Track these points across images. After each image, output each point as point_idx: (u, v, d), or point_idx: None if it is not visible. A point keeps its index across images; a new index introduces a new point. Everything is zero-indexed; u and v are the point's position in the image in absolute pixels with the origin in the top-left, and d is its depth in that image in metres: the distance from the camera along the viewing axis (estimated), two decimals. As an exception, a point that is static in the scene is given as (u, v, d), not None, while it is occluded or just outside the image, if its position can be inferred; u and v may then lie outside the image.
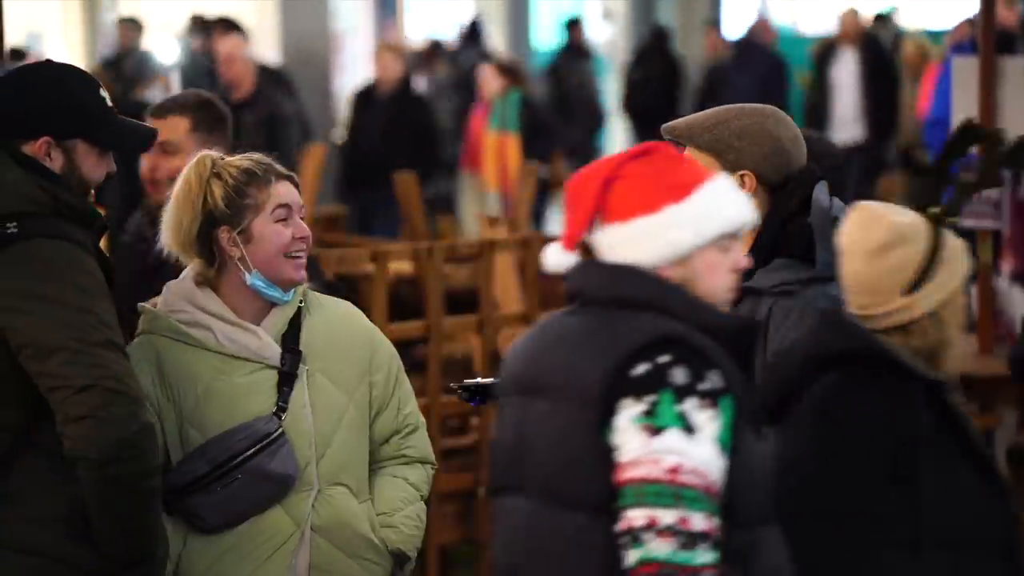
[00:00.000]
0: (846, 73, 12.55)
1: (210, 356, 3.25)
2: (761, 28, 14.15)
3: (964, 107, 5.59)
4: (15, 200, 3.06)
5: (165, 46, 9.89)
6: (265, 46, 13.29)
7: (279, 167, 3.33)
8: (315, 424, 3.27)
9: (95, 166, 3.19)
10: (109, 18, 16.14)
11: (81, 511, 3.04)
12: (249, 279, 3.27)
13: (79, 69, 3.28)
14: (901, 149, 11.52)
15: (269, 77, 10.41)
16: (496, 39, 17.37)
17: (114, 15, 16.09)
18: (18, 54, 11.45)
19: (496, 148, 10.88)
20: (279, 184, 3.29)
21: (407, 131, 10.30)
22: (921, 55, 11.51)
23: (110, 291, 3.13)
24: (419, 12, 17.72)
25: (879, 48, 12.84)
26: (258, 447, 3.20)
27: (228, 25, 10.02)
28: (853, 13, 12.97)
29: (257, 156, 3.33)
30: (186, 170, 3.31)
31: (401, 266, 6.54)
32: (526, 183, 8.68)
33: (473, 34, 15.21)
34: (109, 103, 3.22)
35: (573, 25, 14.76)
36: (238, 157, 3.32)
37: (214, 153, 3.34)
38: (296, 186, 3.33)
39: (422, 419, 3.46)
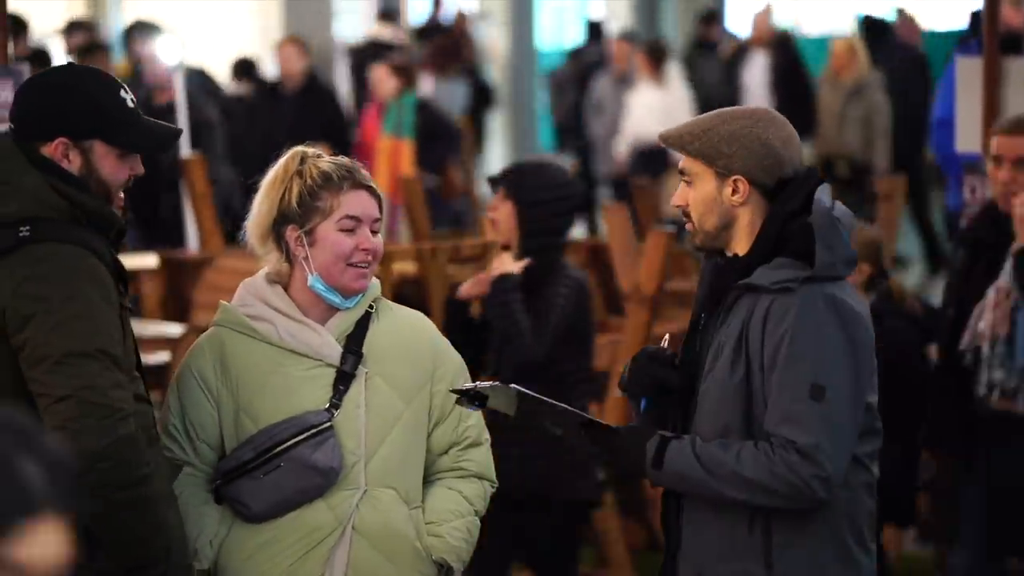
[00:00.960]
0: (757, 76, 12.38)
1: (271, 350, 3.30)
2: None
3: (968, 108, 5.59)
4: (30, 204, 3.08)
5: (171, 48, 9.94)
6: (269, 47, 13.31)
7: (360, 177, 3.33)
8: (367, 424, 3.30)
9: (116, 168, 3.18)
10: (115, 20, 16.15)
11: None
12: (310, 280, 3.32)
13: (100, 71, 3.28)
14: (823, 156, 11.02)
15: (198, 81, 10.33)
16: (499, 39, 17.36)
17: (119, 17, 16.10)
18: (41, 56, 11.46)
19: (388, 153, 10.21)
20: (352, 193, 3.30)
21: (317, 125, 9.91)
22: (850, 56, 11.22)
23: (123, 298, 3.14)
24: (420, 12, 17.71)
25: (790, 51, 12.61)
26: (303, 436, 3.24)
27: (148, 28, 9.98)
28: (765, 15, 12.73)
29: (344, 161, 3.35)
30: (281, 160, 3.35)
31: (405, 267, 6.54)
32: (413, 193, 8.30)
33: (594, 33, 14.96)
34: (131, 104, 3.21)
35: (708, 20, 14.40)
36: (327, 158, 3.34)
37: (310, 149, 3.36)
38: (377, 198, 3.34)
39: (486, 436, 3.47)
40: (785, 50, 12.50)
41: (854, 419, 3.15)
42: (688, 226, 3.27)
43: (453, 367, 3.41)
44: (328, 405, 3.28)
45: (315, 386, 3.29)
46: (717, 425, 3.16)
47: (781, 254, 3.17)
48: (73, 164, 3.15)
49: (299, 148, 3.36)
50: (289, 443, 3.24)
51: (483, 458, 3.44)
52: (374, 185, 3.35)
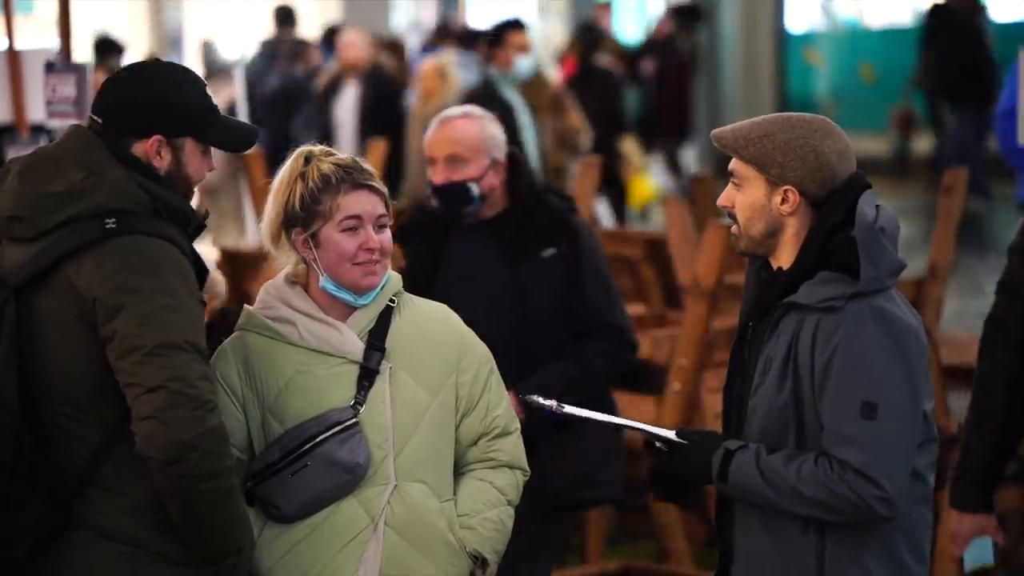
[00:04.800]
0: (346, 108, 11.16)
1: (294, 350, 3.31)
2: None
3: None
4: (116, 197, 3.12)
5: (230, 43, 9.97)
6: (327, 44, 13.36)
7: (359, 176, 3.33)
8: (394, 419, 3.30)
9: (199, 166, 3.25)
10: (174, 17, 16.26)
11: None
12: (321, 281, 3.33)
13: (188, 69, 3.32)
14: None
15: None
16: (558, 32, 17.34)
17: (179, 14, 16.22)
18: (109, 44, 11.55)
19: None
20: (352, 194, 3.31)
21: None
22: (619, 58, 10.61)
23: (200, 292, 3.19)
24: (481, 7, 17.73)
25: (383, 80, 11.41)
26: (329, 434, 3.24)
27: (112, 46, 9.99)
28: (356, 41, 11.32)
29: (345, 160, 3.35)
30: (287, 163, 3.37)
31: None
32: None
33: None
34: (215, 102, 3.28)
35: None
36: (331, 159, 3.34)
37: (316, 148, 3.37)
38: (380, 195, 3.35)
39: (516, 424, 3.46)
40: (377, 80, 11.28)
41: (911, 433, 3.12)
42: (733, 229, 3.24)
43: (478, 357, 3.40)
44: (353, 402, 3.28)
45: (340, 384, 3.29)
46: (768, 443, 3.15)
47: (825, 267, 3.15)
48: (163, 161, 3.20)
49: (305, 148, 3.36)
50: (315, 442, 3.24)
51: (513, 447, 3.43)
52: (375, 183, 3.34)
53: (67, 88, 5.00)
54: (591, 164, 7.74)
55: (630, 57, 14.77)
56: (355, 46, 11.13)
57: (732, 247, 3.42)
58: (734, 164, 3.23)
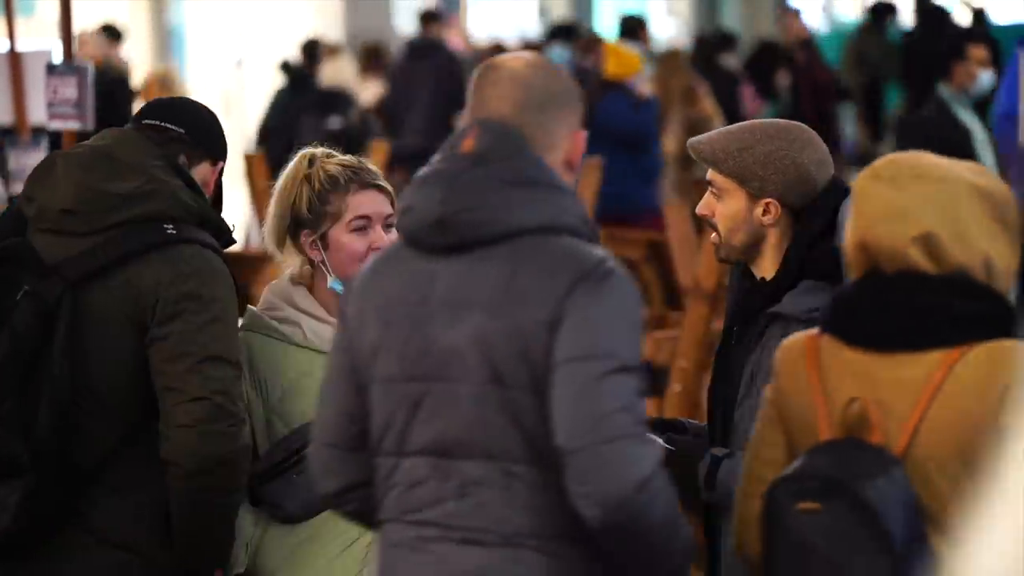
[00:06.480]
0: None
1: (298, 351, 3.32)
2: None
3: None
4: (172, 204, 3.18)
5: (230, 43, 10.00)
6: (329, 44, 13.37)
7: (367, 176, 3.34)
8: None
9: (214, 182, 3.37)
10: (176, 18, 16.28)
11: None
12: (329, 282, 3.34)
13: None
14: None
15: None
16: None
17: (181, 16, 16.23)
18: (109, 30, 11.48)
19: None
20: (361, 194, 3.32)
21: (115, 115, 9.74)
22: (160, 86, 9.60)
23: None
24: (482, 11, 17.75)
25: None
26: None
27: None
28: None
29: (350, 161, 3.37)
30: (290, 166, 3.38)
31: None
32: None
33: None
34: None
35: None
36: (336, 160, 3.36)
37: (319, 151, 3.38)
38: (387, 194, 3.36)
39: None
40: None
41: None
42: (713, 237, 3.23)
43: None
44: None
45: None
46: None
47: (807, 276, 3.15)
48: (209, 181, 3.32)
49: (307, 150, 3.38)
50: None
51: None
52: (383, 183, 3.36)
53: (68, 90, 5.01)
54: (593, 165, 7.74)
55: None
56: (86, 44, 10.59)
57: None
58: (712, 175, 3.21)
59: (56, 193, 3.17)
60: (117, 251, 3.13)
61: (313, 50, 11.85)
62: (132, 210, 3.15)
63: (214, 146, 3.33)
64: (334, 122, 10.67)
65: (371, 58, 12.85)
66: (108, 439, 3.14)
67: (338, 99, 10.91)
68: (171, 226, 3.16)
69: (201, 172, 3.29)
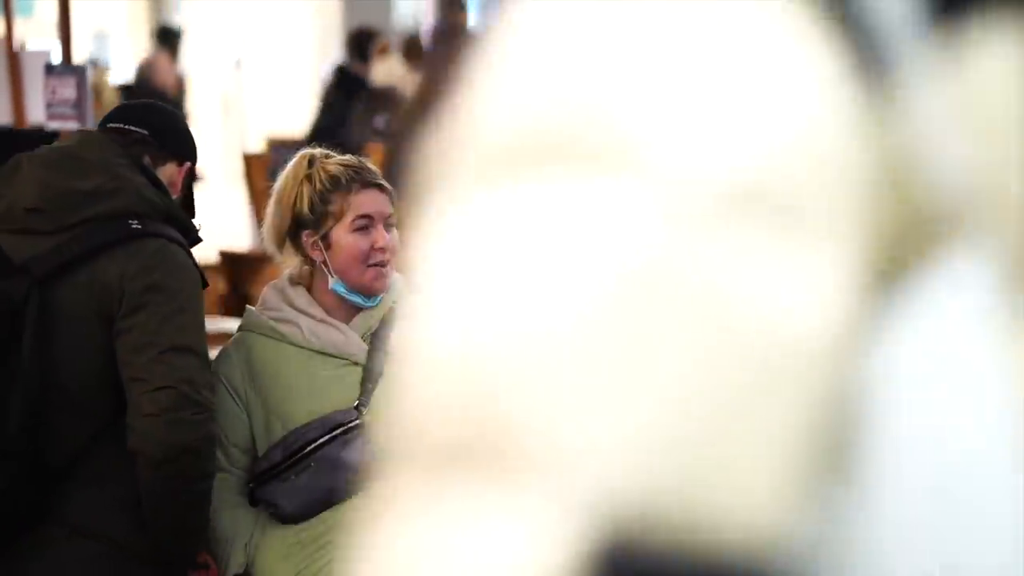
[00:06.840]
0: None
1: (297, 351, 3.32)
2: None
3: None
4: (137, 201, 3.22)
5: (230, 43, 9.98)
6: (328, 46, 13.37)
7: (368, 175, 3.34)
8: None
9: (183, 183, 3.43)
10: (176, 19, 16.30)
11: None
12: (331, 283, 3.33)
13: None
14: None
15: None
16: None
17: (180, 17, 16.25)
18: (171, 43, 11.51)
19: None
20: (363, 193, 3.32)
21: None
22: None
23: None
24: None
25: None
26: (332, 435, 3.26)
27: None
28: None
29: (352, 161, 3.37)
30: (289, 166, 3.39)
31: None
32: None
33: None
34: None
35: None
36: (335, 160, 3.36)
37: (318, 151, 3.39)
38: (387, 194, 3.36)
39: None
40: None
41: None
42: None
43: None
44: (357, 404, 3.28)
45: (343, 385, 3.30)
46: None
47: None
48: (176, 181, 3.38)
49: (306, 151, 3.38)
50: (318, 443, 3.25)
51: None
52: (383, 182, 3.36)
53: (67, 90, 5.01)
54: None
55: None
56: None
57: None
58: None
59: (22, 193, 3.21)
60: (82, 247, 3.17)
61: (362, 43, 11.77)
62: (97, 207, 3.19)
63: (180, 147, 3.38)
64: (380, 121, 10.69)
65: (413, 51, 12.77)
66: (79, 436, 3.16)
67: (388, 98, 10.90)
68: (136, 221, 3.19)
69: (167, 172, 3.34)
